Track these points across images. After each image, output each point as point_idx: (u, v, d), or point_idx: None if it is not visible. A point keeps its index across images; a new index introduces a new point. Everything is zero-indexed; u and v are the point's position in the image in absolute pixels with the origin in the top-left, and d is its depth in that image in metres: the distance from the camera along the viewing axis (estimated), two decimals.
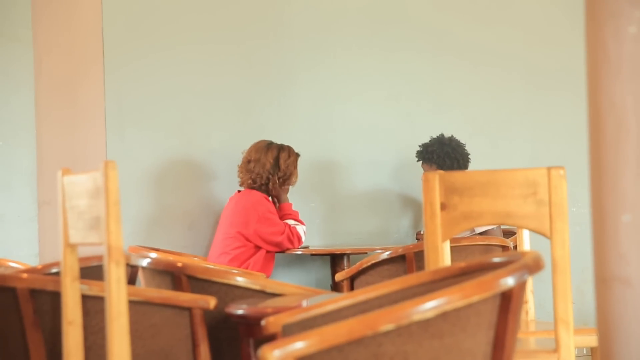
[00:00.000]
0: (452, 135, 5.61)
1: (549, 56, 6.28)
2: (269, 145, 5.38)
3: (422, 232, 5.56)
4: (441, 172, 2.84)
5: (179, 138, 5.57)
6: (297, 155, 5.43)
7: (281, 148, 5.39)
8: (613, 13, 2.18)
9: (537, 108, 6.23)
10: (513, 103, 6.20)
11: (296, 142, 5.54)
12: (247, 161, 5.36)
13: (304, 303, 3.02)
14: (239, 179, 5.41)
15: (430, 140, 5.62)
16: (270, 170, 5.33)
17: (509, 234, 5.28)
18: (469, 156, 5.60)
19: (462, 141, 5.62)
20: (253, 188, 5.34)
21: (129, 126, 5.45)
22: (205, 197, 5.61)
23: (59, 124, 5.30)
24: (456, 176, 2.83)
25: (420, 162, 5.65)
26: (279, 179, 5.35)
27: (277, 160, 5.35)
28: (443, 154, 5.52)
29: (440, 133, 5.63)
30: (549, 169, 2.72)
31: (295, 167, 5.41)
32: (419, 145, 5.64)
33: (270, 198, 5.39)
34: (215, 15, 5.67)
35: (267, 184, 5.34)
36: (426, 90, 6.04)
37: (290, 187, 5.45)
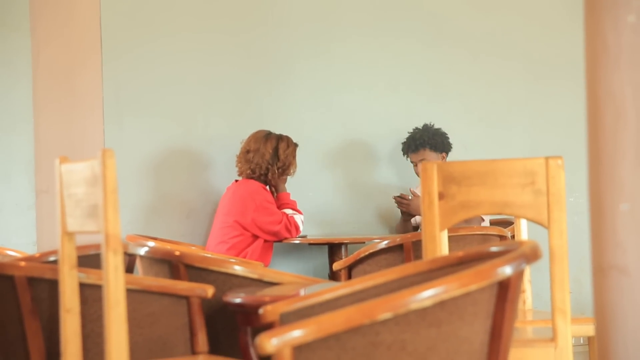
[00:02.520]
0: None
1: (549, 46, 6.27)
2: (267, 135, 5.37)
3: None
4: (439, 161, 2.84)
5: (177, 127, 5.56)
6: (296, 145, 5.42)
7: (280, 138, 5.38)
8: (612, 2, 2.18)
9: (536, 98, 6.22)
10: (512, 92, 6.19)
11: (294, 132, 5.53)
12: (246, 151, 5.35)
13: (302, 292, 3.02)
14: (237, 169, 5.40)
15: (410, 133, 5.64)
16: (270, 160, 5.32)
17: (506, 223, 5.28)
18: (449, 140, 5.64)
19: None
20: (252, 178, 5.33)
21: (126, 115, 5.45)
22: (203, 186, 5.60)
23: (57, 113, 5.29)
24: (454, 166, 2.83)
25: (412, 154, 5.64)
26: (278, 169, 5.34)
27: (276, 150, 5.34)
28: (432, 135, 5.56)
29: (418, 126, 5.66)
30: (547, 158, 2.72)
31: (294, 157, 5.40)
32: (404, 140, 5.65)
33: (268, 187, 5.39)
34: (214, 4, 5.66)
35: (266, 174, 5.33)
36: (425, 80, 6.03)
37: (288, 176, 5.45)
